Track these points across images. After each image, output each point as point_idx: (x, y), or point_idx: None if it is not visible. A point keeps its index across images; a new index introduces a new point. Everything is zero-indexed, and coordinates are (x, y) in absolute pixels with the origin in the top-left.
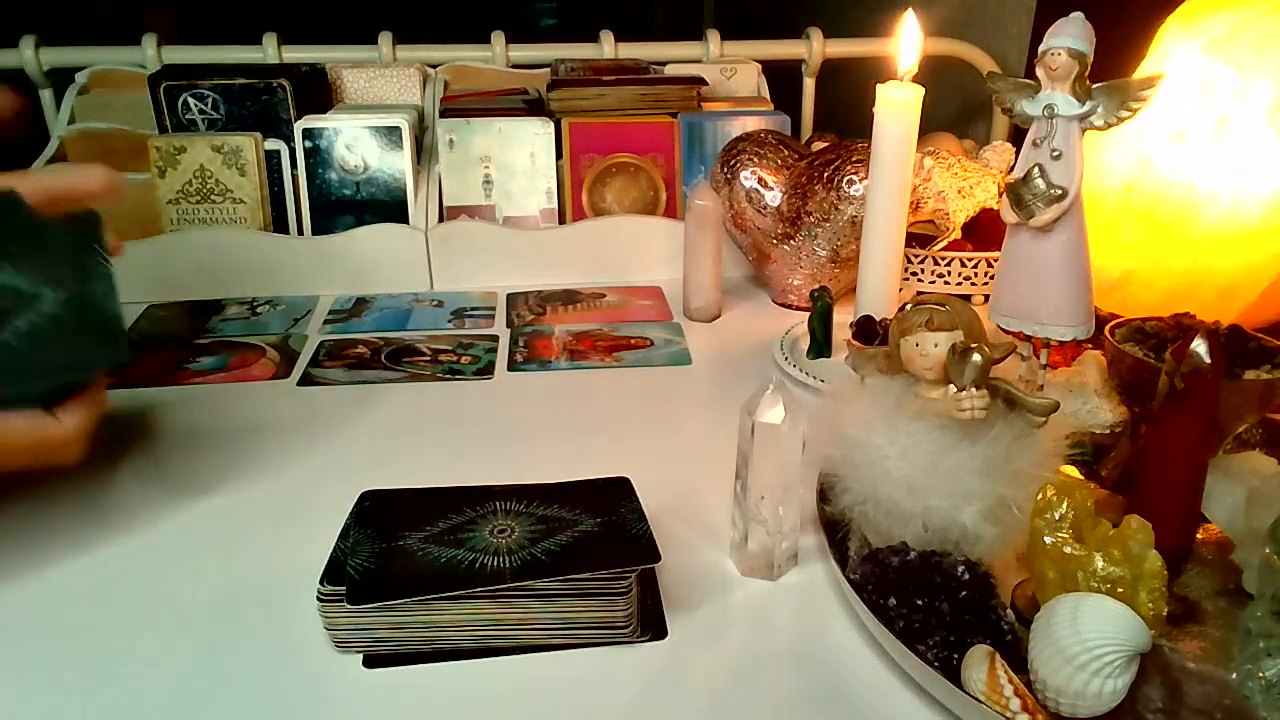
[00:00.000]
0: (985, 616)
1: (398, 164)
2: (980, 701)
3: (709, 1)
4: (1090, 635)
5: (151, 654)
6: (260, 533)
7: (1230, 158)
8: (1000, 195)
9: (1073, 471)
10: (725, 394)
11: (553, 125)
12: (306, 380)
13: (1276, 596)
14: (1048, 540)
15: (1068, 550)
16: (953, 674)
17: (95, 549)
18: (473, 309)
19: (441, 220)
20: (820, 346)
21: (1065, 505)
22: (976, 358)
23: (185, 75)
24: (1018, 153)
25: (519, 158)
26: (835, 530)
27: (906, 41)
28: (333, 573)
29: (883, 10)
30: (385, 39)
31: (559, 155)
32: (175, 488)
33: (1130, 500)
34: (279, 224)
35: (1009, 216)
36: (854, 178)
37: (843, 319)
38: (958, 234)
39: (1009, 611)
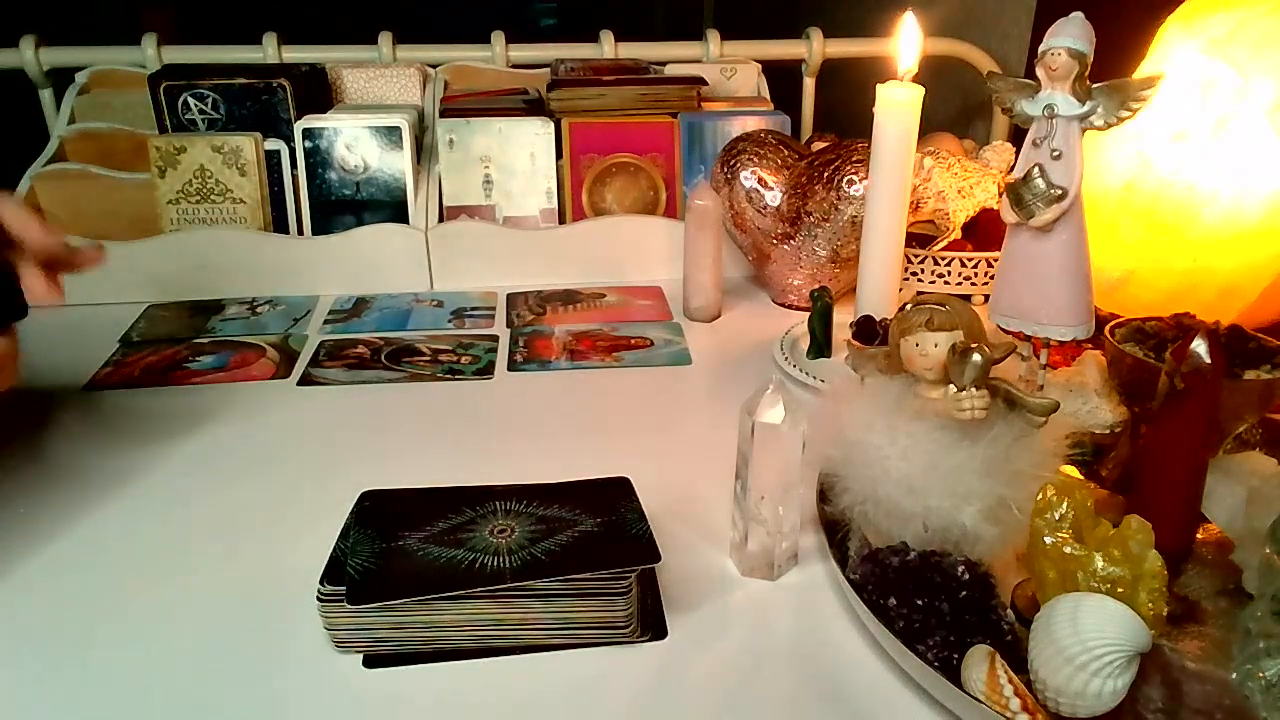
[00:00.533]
0: (985, 616)
1: (398, 164)
2: (980, 701)
3: (709, 1)
4: (1090, 635)
5: (151, 654)
6: (260, 533)
7: (1230, 158)
8: (1000, 195)
9: (1073, 471)
10: (725, 394)
11: (553, 125)
12: (306, 380)
13: (1276, 596)
14: (1048, 540)
15: (1068, 550)
16: (953, 674)
17: (95, 548)
18: (473, 309)
19: (441, 220)
20: (820, 346)
21: (1065, 505)
22: (976, 358)
23: (185, 75)
24: (1018, 153)
25: (519, 158)
26: (835, 530)
27: (906, 41)
28: (333, 573)
29: (883, 10)
30: (385, 39)
31: (559, 155)
32: (175, 487)
33: (1130, 500)
34: (279, 224)
35: (1009, 216)
36: (854, 178)
37: (843, 319)
38: (958, 234)
39: (1009, 611)
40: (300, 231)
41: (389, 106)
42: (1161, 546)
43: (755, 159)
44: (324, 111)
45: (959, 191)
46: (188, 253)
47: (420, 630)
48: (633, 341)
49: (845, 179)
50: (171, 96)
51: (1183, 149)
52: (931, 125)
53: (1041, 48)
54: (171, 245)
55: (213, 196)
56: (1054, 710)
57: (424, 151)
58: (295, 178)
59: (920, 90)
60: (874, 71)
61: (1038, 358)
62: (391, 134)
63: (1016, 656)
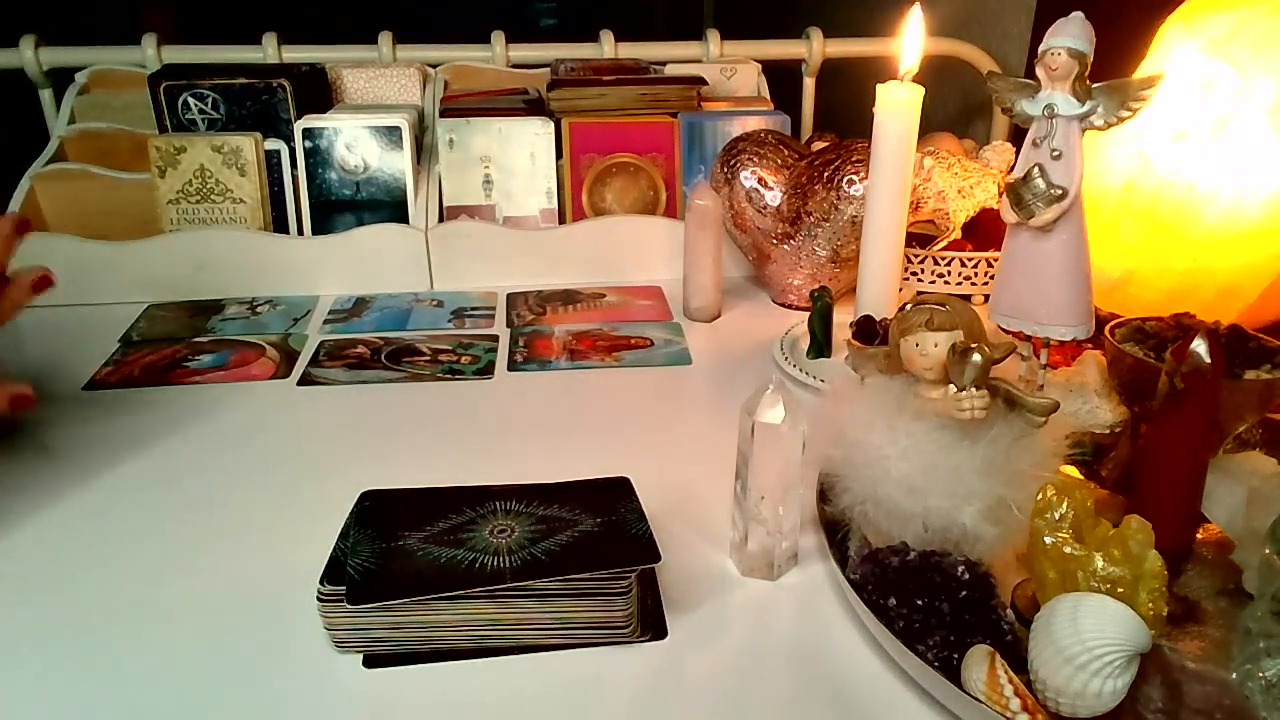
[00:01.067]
0: (985, 616)
1: (398, 164)
2: (980, 701)
3: (709, 1)
4: (1090, 635)
5: (151, 654)
6: (260, 532)
7: (1230, 158)
8: (1000, 195)
9: (1073, 471)
10: (725, 394)
11: (553, 125)
12: (306, 380)
13: (1276, 596)
14: (1048, 540)
15: (1068, 550)
16: (953, 674)
17: (94, 548)
18: (473, 309)
19: (441, 220)
20: (820, 346)
21: (1065, 505)
22: (976, 358)
23: (185, 75)
24: (1018, 153)
25: (519, 158)
26: (835, 530)
27: (910, 38)
28: (333, 573)
29: (883, 10)
30: (385, 39)
31: (559, 155)
32: (174, 487)
33: (1130, 500)
34: (279, 224)
35: (1009, 216)
36: (854, 178)
37: (843, 319)
38: (958, 234)
39: (1009, 611)
40: (300, 231)
41: (389, 106)
42: (1161, 546)
43: (755, 159)
44: (324, 111)
45: (959, 191)
46: (188, 253)
47: (420, 630)
48: (633, 341)
49: (845, 179)
50: (171, 96)
51: (1183, 149)
52: (931, 125)
53: (1041, 48)
54: (171, 245)
55: (213, 196)
56: (1054, 710)
57: (424, 151)
58: (295, 178)
59: (920, 90)
60: (874, 71)
61: (1038, 358)
62: (391, 134)
63: (1016, 656)
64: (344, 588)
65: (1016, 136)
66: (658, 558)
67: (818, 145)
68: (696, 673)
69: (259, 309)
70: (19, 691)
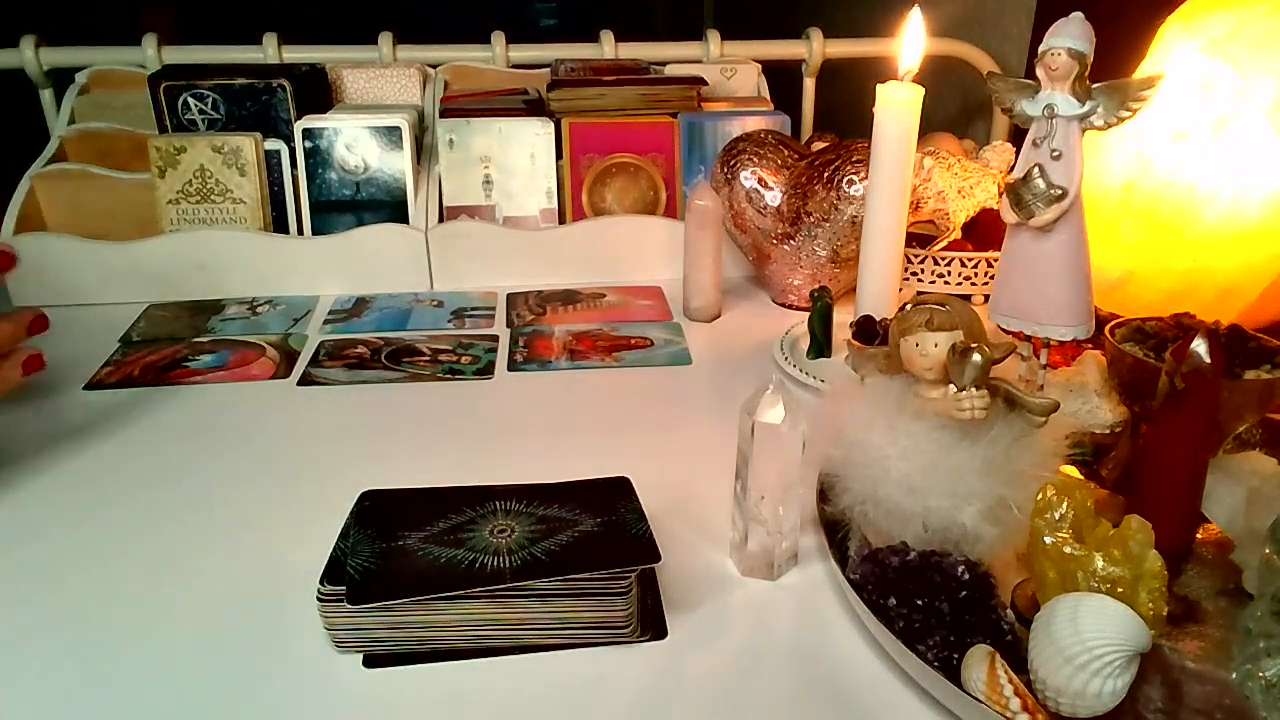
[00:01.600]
0: (985, 616)
1: (398, 164)
2: (980, 701)
3: (709, 1)
4: (1090, 635)
5: (151, 654)
6: (260, 532)
7: (1230, 158)
8: (1000, 195)
9: (1073, 471)
10: (725, 394)
11: (553, 125)
12: (306, 380)
13: (1276, 596)
14: (1048, 540)
15: (1068, 550)
16: (953, 674)
17: (94, 548)
18: (473, 309)
19: (441, 220)
20: (820, 346)
21: (1065, 505)
22: (976, 358)
23: (185, 75)
24: (1018, 153)
25: (519, 158)
26: (835, 530)
27: (911, 38)
28: (333, 573)
29: (883, 10)
30: (385, 39)
31: (559, 155)
32: (174, 487)
33: (1130, 500)
34: (279, 224)
35: (1009, 216)
36: (854, 178)
37: (843, 319)
38: (958, 234)
39: (1009, 611)
40: (300, 231)
41: (389, 106)
42: (1161, 546)
43: (755, 159)
44: (324, 111)
45: (959, 191)
46: (188, 253)
47: (420, 630)
48: (633, 341)
49: (845, 179)
50: (171, 96)
51: (1183, 149)
52: (931, 125)
53: (1041, 48)
54: (171, 245)
55: (213, 196)
56: (1054, 710)
57: (424, 151)
58: (295, 178)
59: (920, 90)
60: (874, 71)
61: (1038, 358)
62: (391, 134)
63: (1016, 656)
64: (344, 588)
65: (1016, 136)
66: (658, 558)
67: (818, 145)
68: (696, 673)
69: (259, 309)
70: (19, 691)
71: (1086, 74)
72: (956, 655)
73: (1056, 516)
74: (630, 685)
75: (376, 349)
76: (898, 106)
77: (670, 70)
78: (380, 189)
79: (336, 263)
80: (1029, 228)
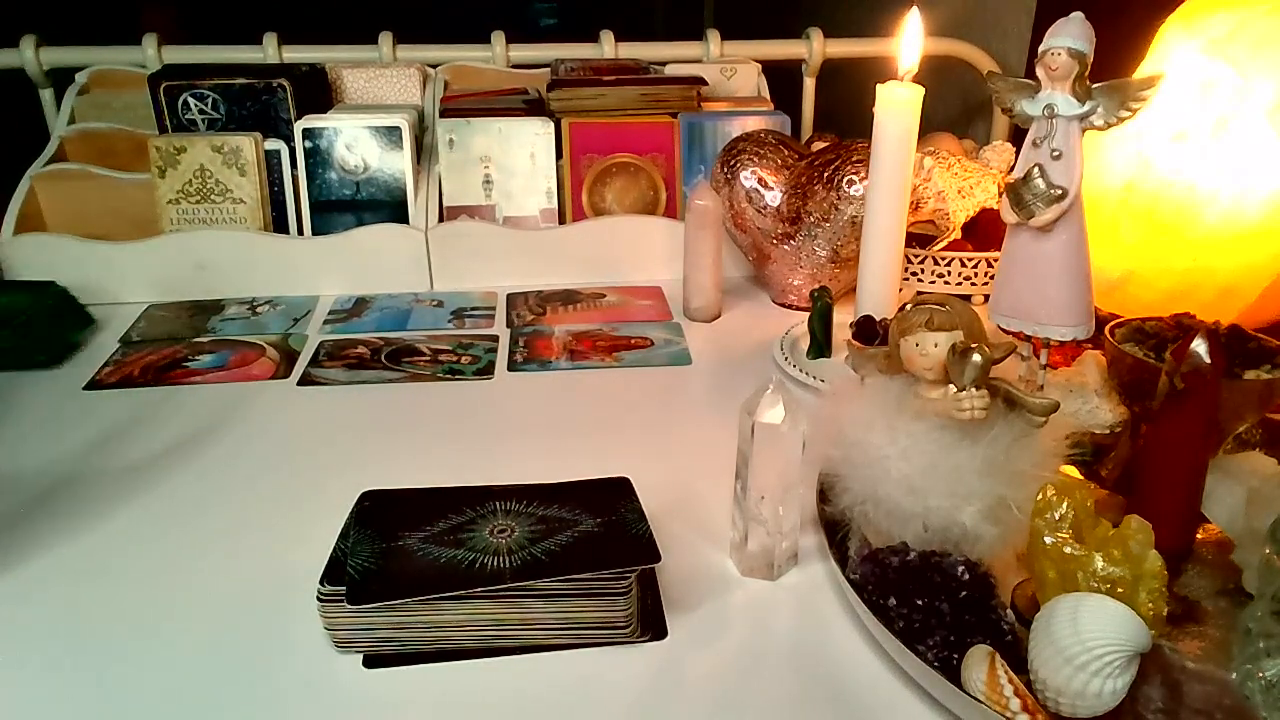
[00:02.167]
0: (985, 616)
1: (398, 164)
2: (980, 701)
3: (709, 1)
4: (1090, 635)
5: (151, 654)
6: (260, 533)
7: (1230, 158)
8: (1000, 195)
9: (1073, 471)
10: (725, 394)
11: (553, 125)
12: (306, 380)
13: (1276, 596)
14: (1048, 540)
15: (1068, 550)
16: (953, 674)
17: (94, 548)
18: (473, 309)
19: (441, 220)
20: (820, 346)
21: (1065, 505)
22: (976, 358)
23: (185, 75)
24: (1018, 153)
25: (519, 158)
26: (835, 530)
27: (909, 39)
28: (333, 573)
29: (883, 10)
30: (385, 39)
31: (559, 155)
32: (174, 487)
33: (1130, 500)
34: (279, 224)
35: (1009, 216)
36: (854, 178)
37: (843, 319)
38: (958, 234)
39: (1009, 611)
40: (300, 231)
41: (389, 106)
42: (1161, 546)
43: (755, 159)
44: (324, 111)
45: (959, 191)
46: (188, 253)
47: (420, 630)
48: (633, 341)
49: (845, 179)
50: (171, 96)
51: (1183, 149)
52: (931, 125)
53: (1041, 48)
54: (171, 245)
55: (213, 196)
56: (1054, 710)
57: (424, 151)
58: (295, 178)
59: (920, 90)
60: (874, 71)
61: (1038, 358)
62: (391, 134)
63: (1016, 656)
64: (344, 588)
65: (1016, 136)
66: (658, 558)
67: (818, 145)
68: (696, 673)
69: (259, 309)
70: (19, 691)
71: (1086, 74)
72: (956, 655)
73: (1056, 516)
74: (630, 685)
75: (376, 349)
76: (898, 106)
77: (670, 70)
78: (380, 189)
79: (336, 263)
80: (1029, 228)
